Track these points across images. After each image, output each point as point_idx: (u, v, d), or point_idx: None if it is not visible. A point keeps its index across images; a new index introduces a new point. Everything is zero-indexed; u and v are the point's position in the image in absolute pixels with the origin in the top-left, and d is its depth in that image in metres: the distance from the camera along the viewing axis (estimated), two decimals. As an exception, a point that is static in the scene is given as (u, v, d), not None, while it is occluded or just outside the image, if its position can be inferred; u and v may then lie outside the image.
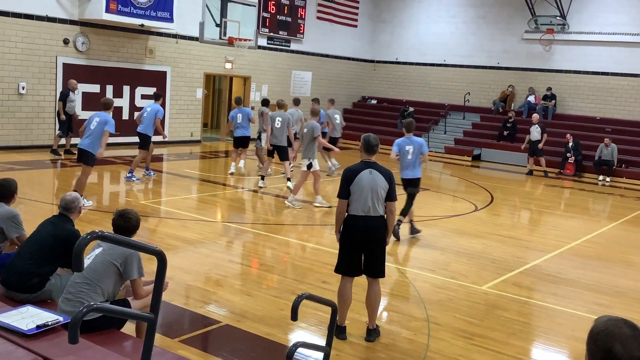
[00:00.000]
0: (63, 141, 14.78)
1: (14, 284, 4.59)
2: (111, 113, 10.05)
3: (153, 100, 12.99)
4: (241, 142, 13.91)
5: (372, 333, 5.58)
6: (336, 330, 5.38)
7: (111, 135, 10.02)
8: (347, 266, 5.58)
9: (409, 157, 9.15)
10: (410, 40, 24.23)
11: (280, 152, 12.50)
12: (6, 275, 4.64)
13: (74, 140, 13.61)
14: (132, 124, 17.01)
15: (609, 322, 1.93)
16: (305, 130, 11.16)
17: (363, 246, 5.51)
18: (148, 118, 12.45)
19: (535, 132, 18.03)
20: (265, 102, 14.91)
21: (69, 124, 14.56)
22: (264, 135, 13.74)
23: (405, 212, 9.32)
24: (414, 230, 9.58)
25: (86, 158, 9.80)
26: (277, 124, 12.37)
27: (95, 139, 9.69)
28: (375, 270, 5.57)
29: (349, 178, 5.46)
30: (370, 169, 5.46)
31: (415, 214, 11.24)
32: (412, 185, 9.29)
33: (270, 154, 12.79)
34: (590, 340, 1.93)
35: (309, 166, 10.93)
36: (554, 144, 19.58)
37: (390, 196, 5.50)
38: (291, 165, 13.17)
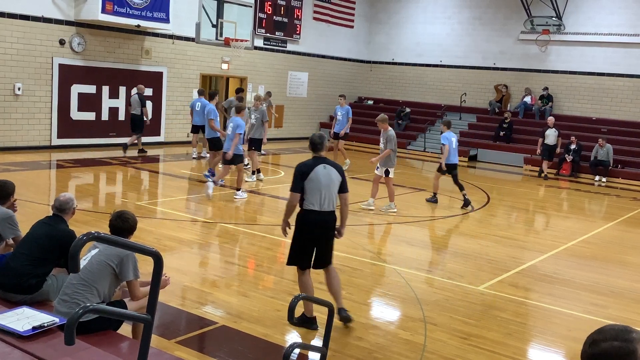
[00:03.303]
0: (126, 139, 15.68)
1: (11, 286, 4.57)
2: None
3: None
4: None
5: (344, 310, 5.76)
6: (307, 322, 5.68)
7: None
8: (302, 259, 5.72)
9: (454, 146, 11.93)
10: (406, 41, 24.25)
11: (256, 144, 13.29)
12: (2, 276, 4.62)
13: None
14: (129, 125, 17.04)
15: (595, 334, 1.83)
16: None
17: (318, 240, 5.69)
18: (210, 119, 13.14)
19: (552, 136, 17.74)
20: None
21: (141, 125, 15.56)
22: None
23: (461, 186, 12.00)
24: (467, 203, 11.91)
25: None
26: (253, 120, 13.23)
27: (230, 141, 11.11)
28: (327, 261, 5.81)
29: (304, 173, 5.57)
30: (324, 164, 5.64)
31: (411, 214, 11.25)
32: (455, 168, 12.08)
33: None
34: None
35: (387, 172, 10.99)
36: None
37: (343, 188, 5.72)
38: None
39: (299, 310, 5.58)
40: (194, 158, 15.92)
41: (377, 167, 11.11)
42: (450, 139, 11.86)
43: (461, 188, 12.04)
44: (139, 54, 17.00)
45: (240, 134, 11.16)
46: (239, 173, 11.51)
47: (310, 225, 5.63)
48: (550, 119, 18.25)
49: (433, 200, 12.36)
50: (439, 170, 12.16)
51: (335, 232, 5.86)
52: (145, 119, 15.72)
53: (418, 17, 23.89)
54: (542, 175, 17.75)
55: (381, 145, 10.96)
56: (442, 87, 23.54)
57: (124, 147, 15.28)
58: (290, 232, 5.88)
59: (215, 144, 12.97)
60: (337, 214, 5.82)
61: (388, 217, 10.86)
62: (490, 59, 22.48)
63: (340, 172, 5.72)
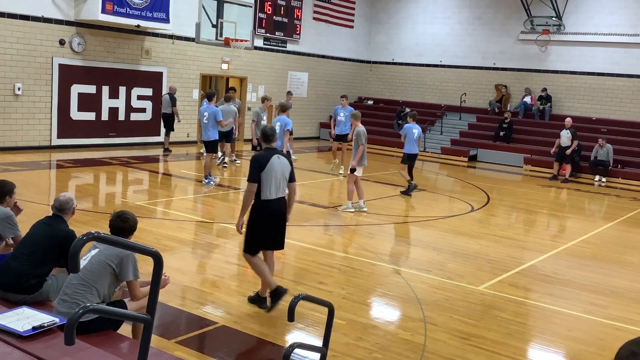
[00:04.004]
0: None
1: (11, 286, 4.57)
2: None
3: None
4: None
5: (265, 300, 6.08)
6: (259, 301, 6.08)
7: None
8: (260, 245, 6.05)
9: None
10: (406, 41, 24.26)
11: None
12: (2, 276, 4.62)
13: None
14: (129, 125, 17.04)
15: (633, 346, 1.82)
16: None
17: (275, 226, 6.05)
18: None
19: (565, 137, 17.49)
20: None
21: (171, 124, 16.04)
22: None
23: (412, 176, 12.81)
24: (408, 190, 12.66)
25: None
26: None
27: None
28: (281, 244, 6.20)
29: (261, 164, 5.88)
30: (277, 155, 6.00)
31: (411, 214, 11.26)
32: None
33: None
34: None
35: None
36: (551, 145, 19.60)
37: (292, 178, 6.13)
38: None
39: (301, 312, 5.57)
40: (224, 165, 15.06)
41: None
42: (412, 130, 12.66)
43: (411, 178, 12.94)
44: (139, 54, 17.00)
45: (289, 130, 11.78)
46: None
47: (269, 213, 5.96)
48: (568, 120, 17.79)
49: (408, 192, 12.84)
50: (402, 161, 13.04)
51: None
52: (176, 117, 16.41)
53: (418, 17, 23.89)
54: (558, 177, 17.46)
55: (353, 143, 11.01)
56: (442, 87, 23.54)
57: (166, 151, 16.50)
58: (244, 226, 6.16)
59: (213, 147, 12.82)
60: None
61: (388, 218, 10.86)
62: (490, 59, 22.48)
63: (290, 162, 6.15)
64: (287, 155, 6.19)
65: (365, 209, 11.00)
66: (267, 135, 6.09)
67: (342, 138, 15.57)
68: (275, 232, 6.06)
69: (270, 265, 6.16)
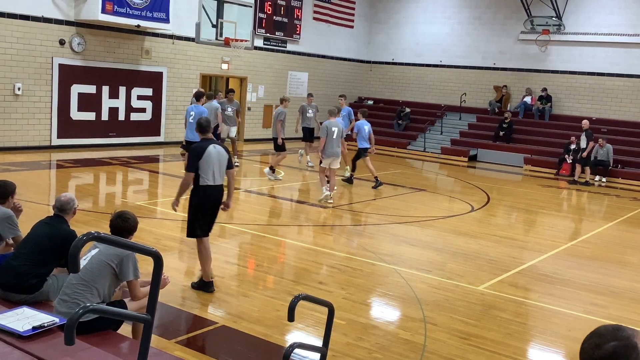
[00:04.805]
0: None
1: (11, 285, 4.57)
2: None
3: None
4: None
5: (211, 284, 6.43)
6: (204, 286, 6.38)
7: None
8: (202, 230, 6.45)
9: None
10: (406, 41, 24.26)
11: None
12: (2, 276, 4.62)
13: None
14: (129, 125, 17.04)
15: (595, 338, 1.89)
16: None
17: (213, 210, 6.51)
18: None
19: (582, 140, 17.41)
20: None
21: None
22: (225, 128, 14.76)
23: (355, 168, 13.77)
24: (349, 179, 13.61)
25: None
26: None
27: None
28: (210, 230, 6.60)
29: (198, 154, 6.30)
30: (213, 145, 6.42)
31: (412, 214, 11.26)
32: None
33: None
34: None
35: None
36: (551, 145, 19.64)
37: (229, 165, 6.54)
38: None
39: (301, 312, 5.58)
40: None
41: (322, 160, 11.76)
42: (363, 126, 13.35)
43: (354, 169, 13.84)
44: (139, 54, 17.01)
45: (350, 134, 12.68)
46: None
47: (207, 198, 6.41)
48: (585, 122, 17.65)
49: (378, 185, 13.36)
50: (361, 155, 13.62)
51: (223, 205, 6.62)
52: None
53: (418, 17, 23.89)
54: (582, 181, 17.10)
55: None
56: (442, 87, 23.54)
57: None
58: (179, 207, 6.75)
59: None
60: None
61: (388, 218, 10.87)
62: (490, 59, 22.48)
63: (227, 151, 6.55)
64: (223, 145, 6.62)
65: (330, 201, 11.46)
66: (203, 126, 6.50)
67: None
68: (210, 217, 6.52)
69: (209, 251, 6.53)
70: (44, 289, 4.66)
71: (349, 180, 13.72)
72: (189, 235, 6.54)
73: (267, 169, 13.92)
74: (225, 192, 6.66)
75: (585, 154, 17.29)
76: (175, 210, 6.69)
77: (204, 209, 6.44)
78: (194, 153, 6.34)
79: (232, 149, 15.52)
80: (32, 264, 4.62)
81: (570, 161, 18.09)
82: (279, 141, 13.85)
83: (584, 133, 17.47)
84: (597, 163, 17.77)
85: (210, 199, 6.44)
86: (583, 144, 17.44)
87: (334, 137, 11.41)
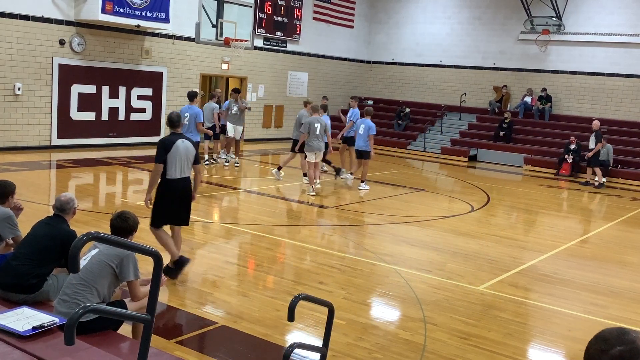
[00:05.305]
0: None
1: (12, 285, 4.57)
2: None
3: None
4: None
5: (179, 269, 6.66)
6: (168, 272, 6.49)
7: None
8: (164, 219, 6.71)
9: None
10: (406, 41, 24.26)
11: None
12: (2, 276, 4.62)
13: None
14: (129, 125, 17.05)
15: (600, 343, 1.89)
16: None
17: (179, 202, 6.69)
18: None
19: (591, 141, 17.30)
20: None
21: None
22: (231, 127, 15.03)
23: (328, 162, 14.22)
24: (337, 171, 14.02)
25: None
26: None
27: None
28: (185, 221, 6.84)
29: (166, 147, 6.53)
30: (182, 139, 6.63)
31: (412, 214, 11.27)
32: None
33: None
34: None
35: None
36: (551, 145, 19.64)
37: (196, 160, 6.79)
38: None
39: (301, 312, 5.58)
40: (225, 164, 15.27)
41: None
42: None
43: (328, 163, 14.38)
44: (139, 54, 17.01)
45: (374, 134, 12.86)
46: (365, 167, 13.16)
47: (173, 190, 6.62)
48: (595, 123, 17.49)
49: (337, 174, 13.97)
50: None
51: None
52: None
53: (418, 17, 23.90)
54: (594, 183, 16.85)
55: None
56: (442, 87, 23.54)
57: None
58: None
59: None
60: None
61: (388, 218, 10.86)
62: (490, 59, 22.48)
63: (195, 146, 6.77)
64: (191, 140, 6.80)
65: (312, 193, 11.96)
66: (173, 121, 6.74)
67: (347, 140, 14.64)
68: (178, 209, 6.71)
69: (177, 239, 6.81)
70: (44, 289, 4.66)
71: (337, 172, 14.15)
72: (151, 224, 6.74)
73: (275, 170, 13.91)
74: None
75: (590, 154, 17.22)
76: (148, 206, 6.84)
77: (168, 201, 6.64)
78: (162, 145, 6.55)
79: (235, 149, 15.49)
80: (32, 264, 4.62)
81: (571, 161, 18.09)
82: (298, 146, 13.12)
83: (594, 134, 17.36)
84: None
85: (174, 192, 6.63)
86: (592, 145, 17.33)
87: (317, 132, 12.04)
